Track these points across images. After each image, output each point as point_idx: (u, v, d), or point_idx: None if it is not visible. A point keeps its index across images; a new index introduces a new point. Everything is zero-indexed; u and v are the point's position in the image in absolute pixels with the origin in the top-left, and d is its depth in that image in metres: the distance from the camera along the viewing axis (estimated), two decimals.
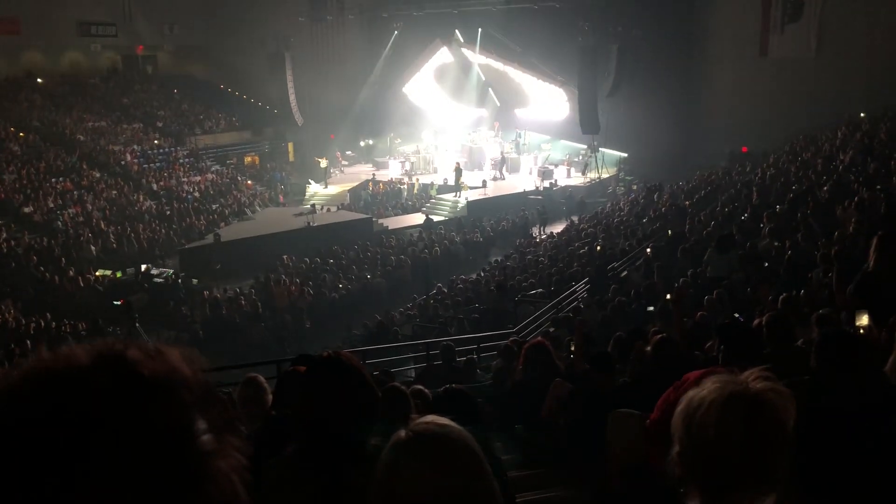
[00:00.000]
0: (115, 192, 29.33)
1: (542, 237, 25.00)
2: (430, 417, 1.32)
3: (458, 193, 31.00)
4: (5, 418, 0.71)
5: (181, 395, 0.75)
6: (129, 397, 0.72)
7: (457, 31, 36.63)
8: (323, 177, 34.30)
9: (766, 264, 10.36)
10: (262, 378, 4.80)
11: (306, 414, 2.13)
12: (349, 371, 2.12)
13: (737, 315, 7.49)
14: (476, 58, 36.72)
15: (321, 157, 34.60)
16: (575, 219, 26.42)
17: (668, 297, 9.87)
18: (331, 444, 2.02)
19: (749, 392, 1.50)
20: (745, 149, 27.44)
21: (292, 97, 37.05)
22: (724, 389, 1.51)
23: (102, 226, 26.20)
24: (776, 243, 11.09)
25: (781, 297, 7.12)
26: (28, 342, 15.59)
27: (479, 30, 35.46)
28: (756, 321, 5.87)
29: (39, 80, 36.96)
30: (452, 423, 1.30)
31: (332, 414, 2.04)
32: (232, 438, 0.79)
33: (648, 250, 14.87)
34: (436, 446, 1.26)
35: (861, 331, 4.47)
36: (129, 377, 0.73)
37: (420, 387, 4.60)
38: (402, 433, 1.29)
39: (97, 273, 22.39)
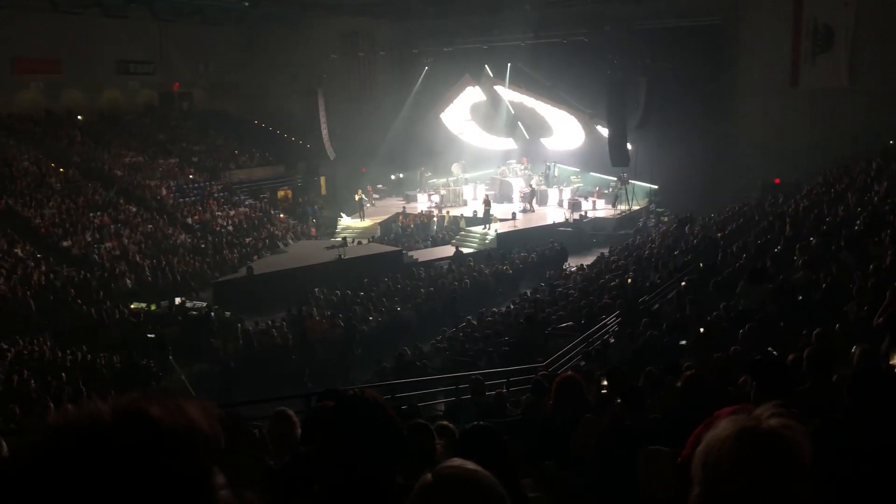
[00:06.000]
0: (150, 225, 29.88)
1: (572, 269, 24.88)
2: (457, 461, 1.33)
3: (488, 226, 31.10)
4: (29, 475, 0.74)
5: (200, 450, 0.78)
6: (149, 453, 0.75)
7: (486, 65, 36.99)
8: (358, 209, 34.59)
9: (800, 297, 10.21)
10: (291, 412, 4.85)
11: (330, 453, 2.11)
12: (373, 410, 2.09)
13: (770, 349, 7.38)
14: (506, 92, 37.02)
15: (360, 191, 34.91)
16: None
17: (701, 330, 9.79)
18: (357, 485, 2.00)
19: (761, 428, 1.51)
20: (777, 180, 27.16)
21: (324, 132, 37.59)
22: (737, 426, 1.52)
23: (138, 259, 26.64)
24: (812, 276, 10.93)
25: (816, 331, 7.02)
26: (63, 374, 15.82)
27: (509, 64, 35.82)
28: (790, 356, 5.79)
29: (80, 117, 37.97)
30: (478, 468, 1.31)
31: (356, 454, 2.02)
32: (248, 493, 0.82)
33: (683, 283, 14.67)
34: (462, 491, 1.27)
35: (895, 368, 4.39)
36: (150, 434, 0.76)
37: (446, 423, 4.59)
38: (429, 476, 1.31)
39: (132, 306, 22.71)
